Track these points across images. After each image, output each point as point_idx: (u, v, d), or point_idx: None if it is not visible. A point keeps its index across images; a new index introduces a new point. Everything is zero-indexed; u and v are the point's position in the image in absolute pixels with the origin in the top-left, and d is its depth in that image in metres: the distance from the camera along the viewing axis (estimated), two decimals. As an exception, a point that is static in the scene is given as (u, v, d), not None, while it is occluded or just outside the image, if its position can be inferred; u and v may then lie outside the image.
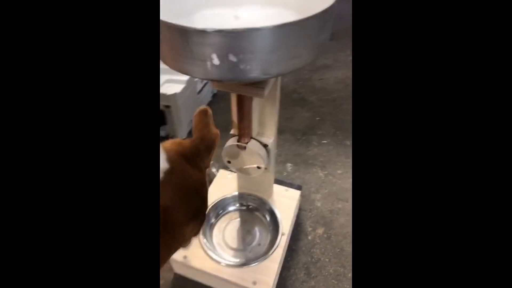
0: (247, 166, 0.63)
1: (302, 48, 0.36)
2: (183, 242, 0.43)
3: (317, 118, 1.15)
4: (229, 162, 0.64)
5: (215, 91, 1.25)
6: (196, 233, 0.46)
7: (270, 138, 0.62)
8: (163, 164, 0.37)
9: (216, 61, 0.34)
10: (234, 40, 0.32)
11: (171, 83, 0.98)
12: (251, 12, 0.51)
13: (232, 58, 0.33)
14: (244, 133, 0.58)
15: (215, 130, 0.46)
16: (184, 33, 0.33)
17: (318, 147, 1.03)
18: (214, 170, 0.93)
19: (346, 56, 1.52)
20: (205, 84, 1.15)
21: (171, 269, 0.71)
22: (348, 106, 1.20)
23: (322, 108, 1.20)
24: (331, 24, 0.39)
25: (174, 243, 0.41)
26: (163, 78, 0.99)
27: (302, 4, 0.46)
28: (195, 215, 0.42)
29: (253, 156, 0.60)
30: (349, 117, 1.14)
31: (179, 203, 0.39)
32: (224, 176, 0.84)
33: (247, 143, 0.59)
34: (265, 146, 0.61)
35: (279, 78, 0.56)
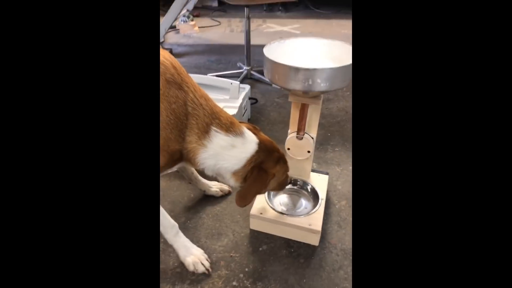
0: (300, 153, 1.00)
1: (347, 76, 0.77)
2: (262, 185, 0.84)
3: (329, 134, 1.56)
4: (288, 149, 1.01)
5: (249, 117, 1.66)
6: (285, 170, 0.87)
7: (313, 134, 1.02)
8: (255, 139, 0.82)
9: (310, 81, 0.74)
10: (320, 72, 0.73)
11: (227, 108, 1.38)
12: (313, 60, 0.94)
13: (318, 80, 0.74)
14: (301, 129, 0.97)
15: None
16: (296, 69, 0.74)
17: (333, 153, 1.42)
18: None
19: (343, 92, 1.99)
20: (245, 110, 1.56)
21: (247, 226, 1.04)
22: (349, 126, 1.62)
23: (331, 128, 1.62)
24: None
25: (255, 183, 0.82)
26: (220, 104, 1.39)
27: (336, 57, 0.89)
28: (277, 161, 0.86)
29: (305, 143, 0.99)
30: (351, 133, 1.56)
31: (267, 156, 0.82)
32: (274, 168, 1.20)
33: (303, 135, 0.97)
34: (312, 138, 1.00)
35: (322, 98, 0.97)
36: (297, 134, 0.98)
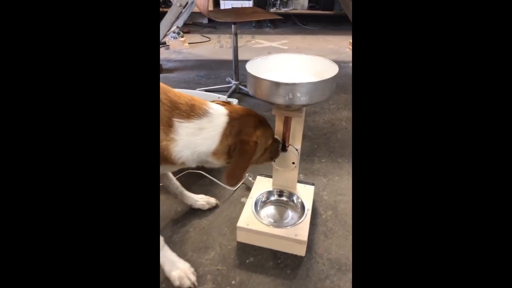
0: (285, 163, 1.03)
1: (326, 90, 0.81)
2: (247, 157, 0.78)
3: (315, 146, 1.59)
4: (274, 161, 1.04)
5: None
6: (270, 135, 0.84)
7: (298, 145, 1.04)
8: (224, 111, 0.78)
9: (290, 95, 0.77)
10: (299, 87, 0.76)
11: (216, 121, 1.40)
12: (295, 75, 0.98)
13: (298, 94, 0.77)
14: (286, 141, 0.99)
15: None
16: (276, 84, 0.77)
17: (319, 164, 1.45)
18: (250, 178, 1.31)
19: (329, 105, 2.05)
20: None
21: (234, 239, 1.04)
22: (336, 138, 1.66)
23: (317, 140, 1.65)
24: (335, 81, 0.85)
25: (241, 158, 0.77)
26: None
27: (318, 72, 0.93)
28: (256, 125, 0.81)
29: (290, 155, 1.01)
30: (338, 144, 1.59)
31: (243, 123, 0.78)
32: (261, 180, 1.22)
33: (287, 147, 1.00)
34: (296, 149, 1.02)
35: (304, 111, 1.00)
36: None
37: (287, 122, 0.96)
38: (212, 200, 1.17)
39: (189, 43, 3.24)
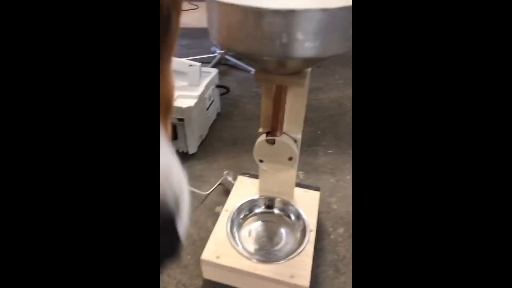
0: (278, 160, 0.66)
1: (347, 30, 0.42)
2: None
3: (319, 132, 1.22)
4: (261, 161, 0.66)
5: (219, 110, 1.30)
6: None
7: (297, 133, 0.67)
8: None
9: (285, 39, 0.39)
10: (302, 18, 0.38)
11: (184, 98, 1.02)
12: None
13: (299, 34, 0.39)
14: (277, 127, 0.62)
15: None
16: (258, 13, 0.38)
17: (324, 157, 1.08)
18: (230, 178, 0.94)
19: (335, 80, 1.65)
20: (212, 101, 1.20)
21: (199, 275, 0.69)
22: (344, 121, 1.28)
23: (322, 124, 1.28)
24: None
25: None
26: (177, 93, 1.03)
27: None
28: None
29: (284, 149, 0.64)
30: (348, 130, 1.22)
31: None
32: (243, 182, 0.85)
33: (278, 136, 0.63)
34: (295, 140, 0.65)
35: (308, 79, 0.62)
36: (269, 135, 0.63)
37: (279, 97, 0.58)
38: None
39: (171, 10, 2.80)
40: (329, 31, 0.39)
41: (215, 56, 1.76)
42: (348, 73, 1.71)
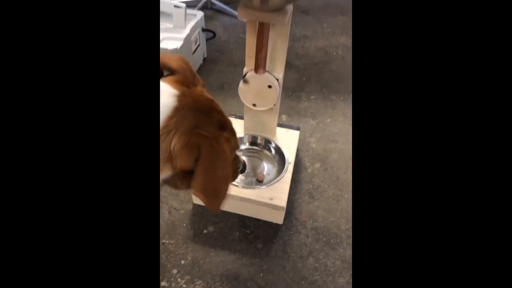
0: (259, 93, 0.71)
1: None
2: (227, 159, 0.44)
3: (304, 79, 1.26)
4: (254, 105, 0.71)
5: (205, 55, 1.30)
6: (235, 147, 0.48)
7: (279, 73, 0.71)
8: (172, 91, 0.40)
9: (265, -30, 0.41)
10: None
11: (170, 40, 1.02)
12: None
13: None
14: (261, 64, 0.66)
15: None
16: None
17: (307, 102, 1.14)
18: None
19: (323, 29, 1.64)
20: (198, 45, 1.20)
21: (189, 200, 0.78)
22: (329, 69, 1.32)
23: (307, 71, 1.31)
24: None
25: (218, 162, 0.43)
26: (161, 35, 1.03)
27: None
28: (222, 126, 0.44)
29: (267, 88, 0.69)
30: (332, 77, 1.26)
31: (202, 118, 0.41)
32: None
33: (262, 73, 0.67)
34: (277, 79, 0.70)
35: (290, 16, 0.64)
36: (254, 71, 0.67)
37: (262, 34, 0.61)
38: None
39: None
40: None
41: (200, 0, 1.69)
42: (336, 21, 1.70)
